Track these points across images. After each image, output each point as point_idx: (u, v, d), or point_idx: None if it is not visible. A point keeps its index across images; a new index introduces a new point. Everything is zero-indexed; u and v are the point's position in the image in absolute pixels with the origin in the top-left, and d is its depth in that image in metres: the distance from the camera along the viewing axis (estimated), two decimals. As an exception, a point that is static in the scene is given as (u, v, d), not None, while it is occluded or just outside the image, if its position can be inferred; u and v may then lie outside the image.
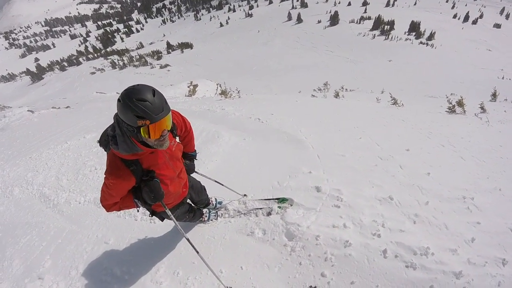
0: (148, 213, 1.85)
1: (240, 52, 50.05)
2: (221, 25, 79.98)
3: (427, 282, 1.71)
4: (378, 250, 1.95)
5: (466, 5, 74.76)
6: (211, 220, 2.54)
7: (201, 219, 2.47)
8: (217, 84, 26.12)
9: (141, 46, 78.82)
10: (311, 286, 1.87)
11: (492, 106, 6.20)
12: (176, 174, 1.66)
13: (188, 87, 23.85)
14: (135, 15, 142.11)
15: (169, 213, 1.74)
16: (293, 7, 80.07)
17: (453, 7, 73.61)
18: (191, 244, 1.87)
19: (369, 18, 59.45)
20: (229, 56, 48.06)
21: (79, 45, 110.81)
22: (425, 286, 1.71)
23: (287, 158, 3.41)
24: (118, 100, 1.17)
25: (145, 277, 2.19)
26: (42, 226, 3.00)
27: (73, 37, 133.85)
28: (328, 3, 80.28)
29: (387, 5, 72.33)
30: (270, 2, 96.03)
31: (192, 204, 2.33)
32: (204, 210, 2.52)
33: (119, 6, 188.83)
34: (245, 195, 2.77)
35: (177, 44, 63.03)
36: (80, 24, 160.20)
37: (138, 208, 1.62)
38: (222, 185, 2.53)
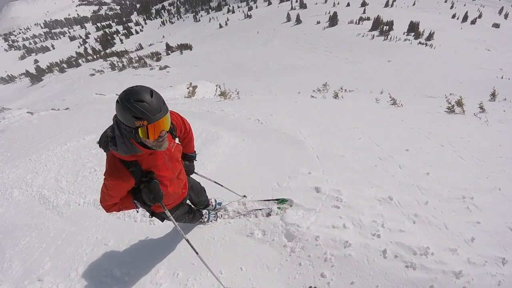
0: (148, 214, 1.85)
1: (239, 53, 50.04)
2: (220, 26, 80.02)
3: (427, 282, 1.71)
4: (378, 250, 1.96)
5: (464, 5, 75.09)
6: (211, 221, 2.54)
7: (200, 220, 2.48)
8: (216, 85, 26.10)
9: (140, 47, 78.77)
10: (311, 287, 1.87)
11: (491, 105, 6.22)
12: (176, 175, 1.66)
13: (188, 88, 23.81)
14: (134, 17, 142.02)
15: (169, 214, 1.74)
16: (292, 8, 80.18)
17: (452, 7, 73.88)
18: (190, 245, 1.87)
19: (368, 18, 59.51)
20: (228, 57, 48.04)
21: (79, 47, 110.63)
22: (425, 286, 1.71)
23: (286, 159, 3.41)
24: (117, 101, 1.18)
25: (145, 278, 2.19)
26: (41, 228, 3.00)
27: (72, 38, 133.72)
28: (327, 4, 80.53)
29: (386, 5, 72.62)
30: (269, 3, 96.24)
31: (192, 205, 2.33)
32: (204, 211, 2.52)
33: (118, 7, 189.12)
34: (244, 196, 2.77)
35: (176, 45, 62.95)
36: (79, 26, 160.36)
37: (137, 209, 1.62)
38: (222, 186, 2.53)
